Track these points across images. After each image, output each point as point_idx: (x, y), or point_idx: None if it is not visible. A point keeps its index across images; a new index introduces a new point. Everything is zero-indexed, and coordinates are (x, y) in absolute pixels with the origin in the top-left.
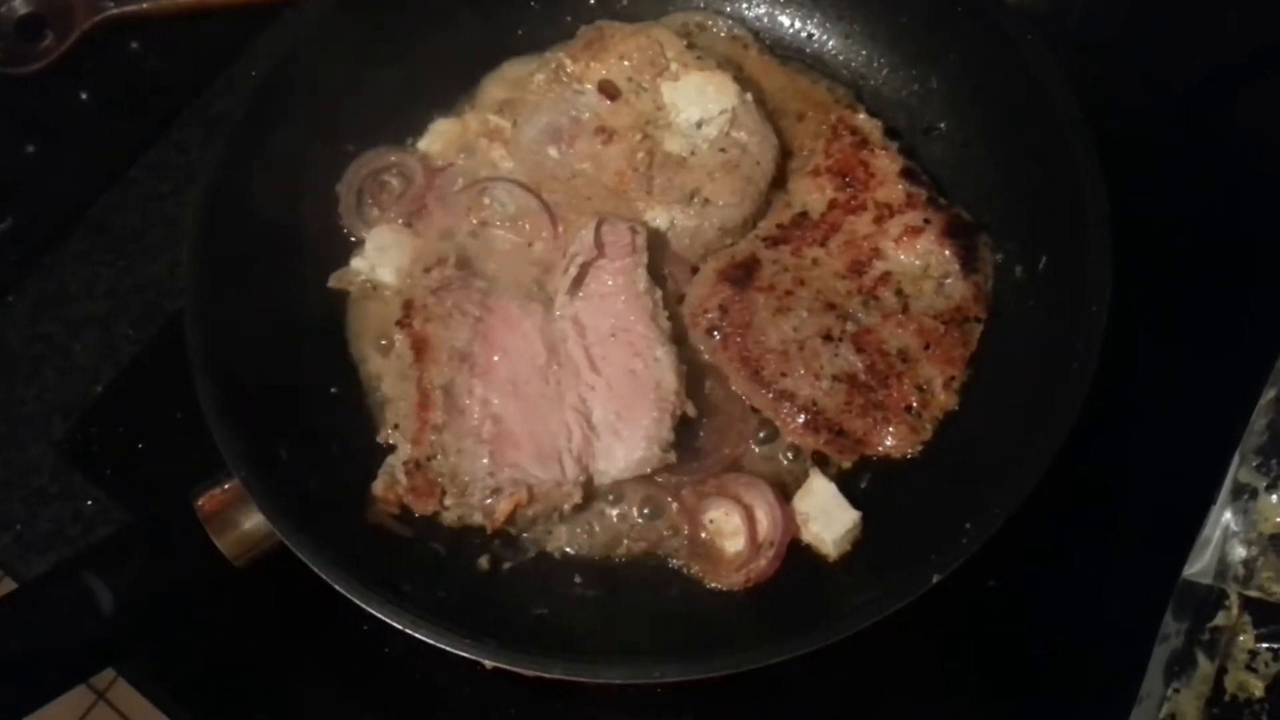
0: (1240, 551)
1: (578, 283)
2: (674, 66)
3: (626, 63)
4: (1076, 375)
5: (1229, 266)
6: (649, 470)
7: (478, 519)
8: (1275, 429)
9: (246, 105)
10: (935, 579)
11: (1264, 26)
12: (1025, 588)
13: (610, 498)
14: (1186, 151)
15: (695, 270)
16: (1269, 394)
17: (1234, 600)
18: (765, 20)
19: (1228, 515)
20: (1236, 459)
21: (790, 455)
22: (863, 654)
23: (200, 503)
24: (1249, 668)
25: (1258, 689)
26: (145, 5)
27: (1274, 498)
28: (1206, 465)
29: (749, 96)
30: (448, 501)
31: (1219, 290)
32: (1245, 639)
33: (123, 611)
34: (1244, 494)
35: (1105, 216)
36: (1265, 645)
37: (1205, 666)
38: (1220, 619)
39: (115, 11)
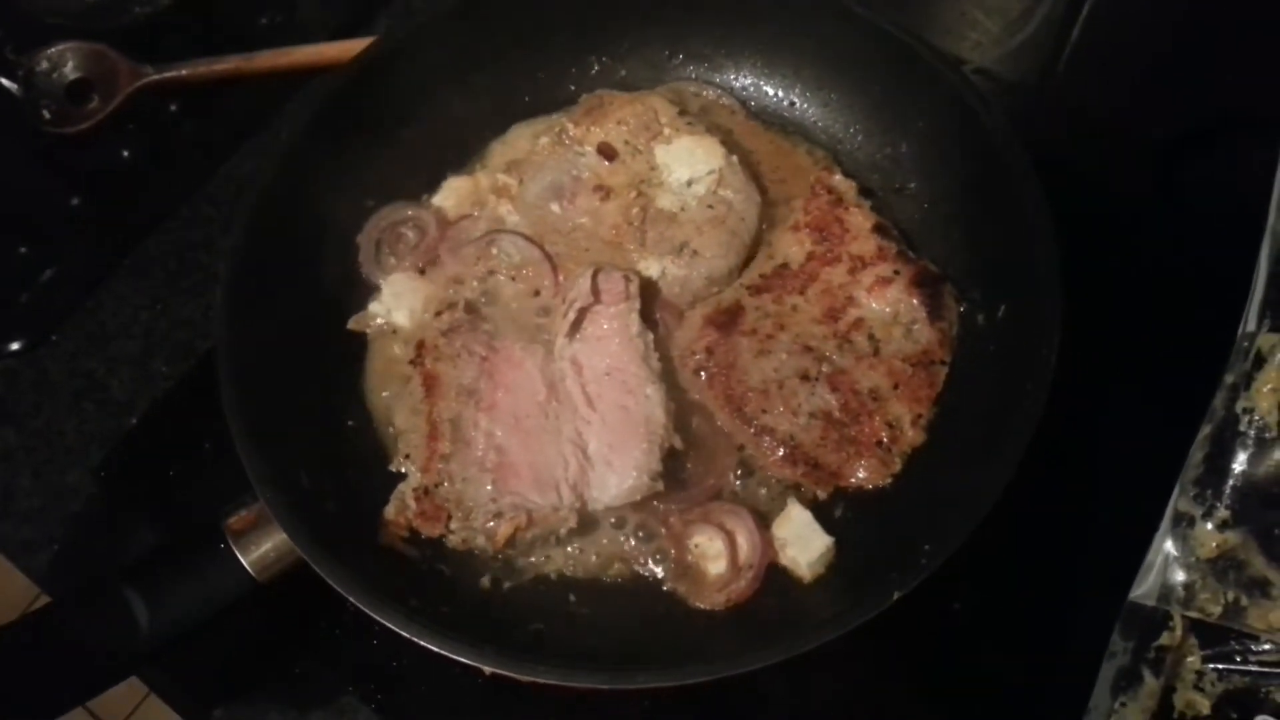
0: (1180, 575)
1: (576, 326)
2: (667, 131)
3: (623, 127)
4: (1027, 413)
5: (1178, 314)
6: (639, 498)
7: (480, 541)
8: (1210, 462)
9: (275, 163)
10: (896, 595)
11: (1234, 94)
12: (987, 609)
13: (603, 523)
14: (1150, 207)
15: (684, 315)
16: (1205, 430)
17: (1178, 622)
18: (751, 89)
19: (1169, 542)
20: (1177, 489)
21: (770, 486)
22: (837, 672)
23: (229, 523)
24: (1196, 687)
25: (1204, 707)
26: (184, 72)
27: (1209, 525)
28: (1153, 496)
29: (735, 158)
30: (453, 525)
31: (1167, 338)
32: (1193, 660)
33: (155, 621)
34: (1183, 521)
35: (1055, 271)
36: (1211, 666)
37: (1151, 683)
38: (1165, 639)
39: (156, 77)
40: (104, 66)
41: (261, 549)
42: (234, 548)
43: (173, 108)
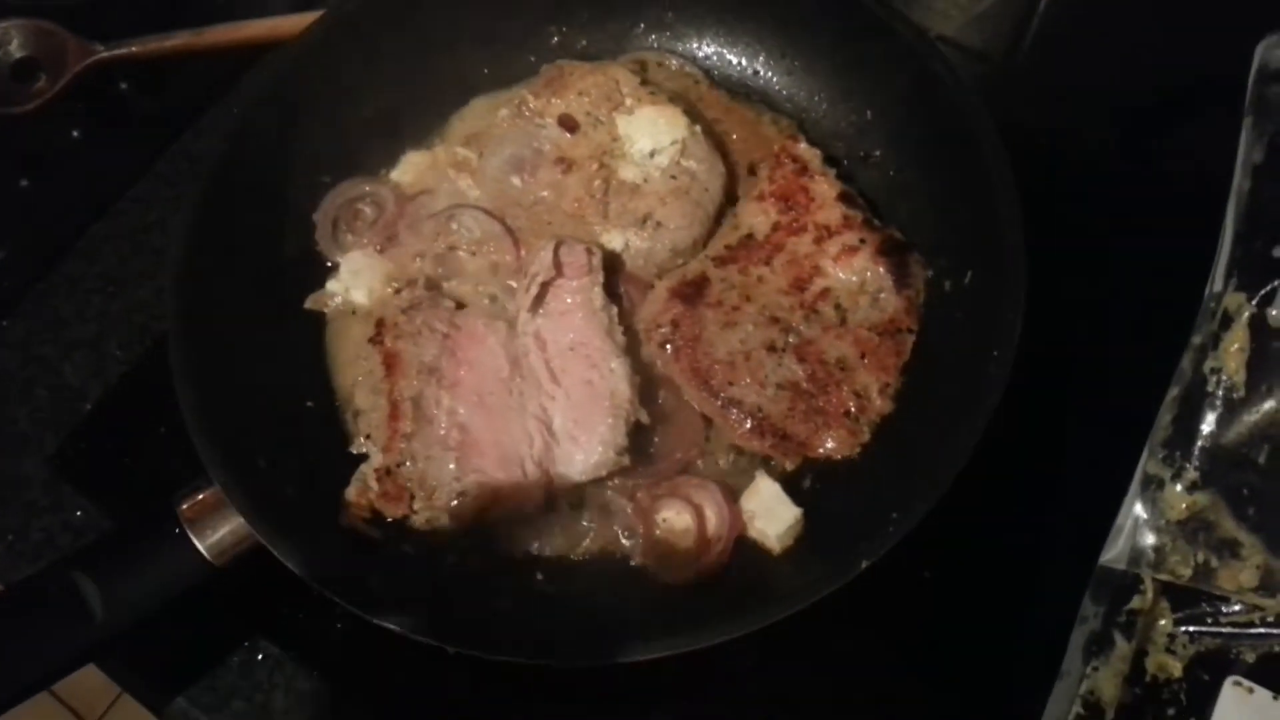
0: (1150, 538)
1: (538, 301)
2: (629, 101)
3: (585, 98)
4: (994, 379)
5: (1145, 277)
6: (605, 473)
7: (444, 521)
8: (1178, 424)
9: (228, 141)
10: (864, 564)
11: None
12: (957, 576)
13: (570, 500)
14: (1115, 173)
15: (649, 288)
16: (1173, 391)
17: (1149, 585)
18: (714, 59)
19: (1138, 505)
20: (1146, 452)
21: (738, 458)
22: (808, 642)
23: (183, 507)
24: (1168, 650)
25: (1176, 669)
26: (134, 49)
27: (1179, 487)
28: (1122, 459)
29: (698, 128)
30: (416, 505)
31: (1135, 299)
32: (1165, 623)
33: (109, 608)
34: (1152, 484)
35: (1020, 236)
36: (1182, 629)
37: (1123, 647)
38: (1136, 602)
39: (105, 54)
40: (52, 44)
41: (218, 534)
42: (189, 532)
43: (123, 85)
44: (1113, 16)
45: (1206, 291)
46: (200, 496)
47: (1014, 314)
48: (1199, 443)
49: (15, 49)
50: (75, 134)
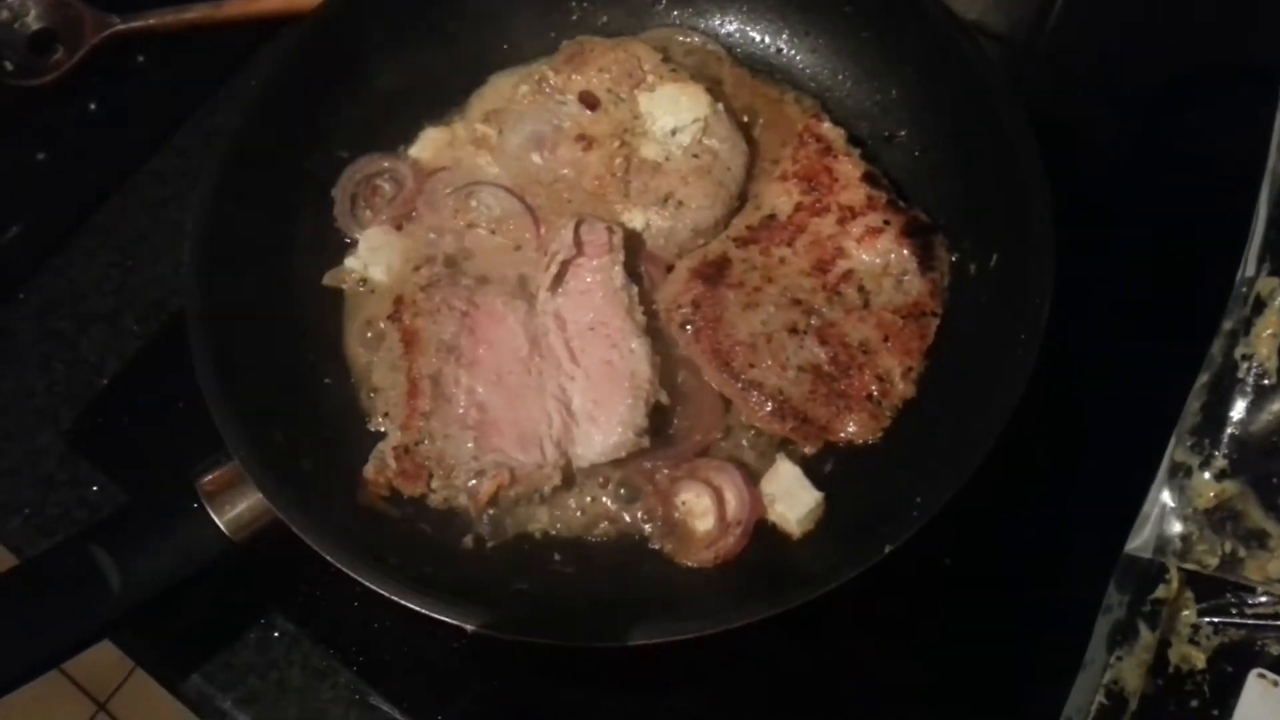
0: (1177, 526)
1: (558, 280)
2: (650, 78)
3: (606, 75)
4: (1020, 364)
5: (1173, 262)
6: (624, 454)
7: (462, 500)
8: (1207, 411)
9: (246, 115)
10: (888, 549)
11: (1225, 44)
12: (979, 563)
13: (588, 481)
14: (1143, 157)
15: (670, 268)
16: (1202, 378)
17: (1174, 575)
18: (737, 36)
19: (1165, 493)
20: (1174, 439)
21: (758, 441)
22: (827, 627)
23: (202, 482)
24: (1192, 641)
25: (1200, 661)
26: (151, 21)
27: (1207, 475)
28: (1149, 446)
29: (720, 106)
30: (434, 484)
31: (1164, 284)
32: (1188, 614)
33: (127, 583)
34: (1180, 472)
35: (1048, 219)
36: (1206, 619)
37: (1147, 636)
38: (1160, 591)
39: (122, 27)
40: (68, 16)
41: (237, 509)
42: (208, 508)
43: (140, 58)
44: None
45: (1238, 276)
46: (219, 471)
47: (1041, 299)
48: (1228, 430)
49: (32, 21)
50: (92, 107)
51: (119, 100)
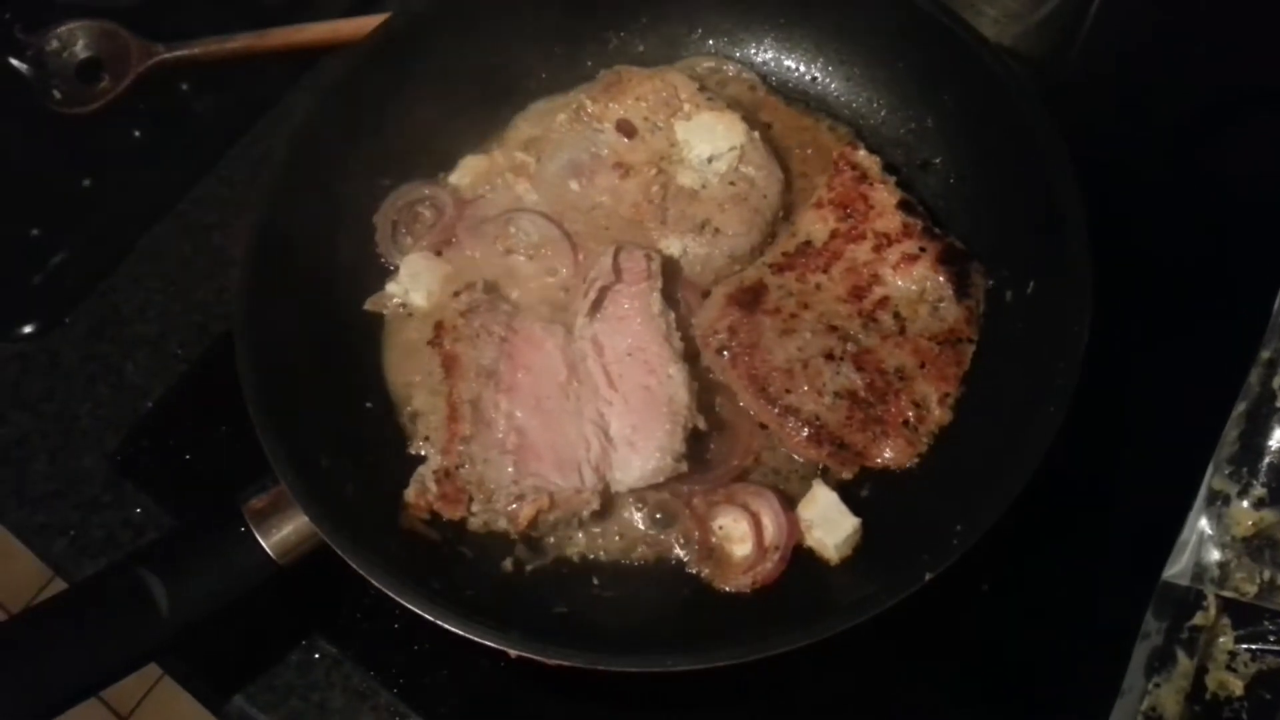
0: (1215, 554)
1: (596, 306)
2: (687, 107)
3: (643, 103)
4: (1059, 390)
5: (1209, 290)
6: (662, 479)
7: (502, 524)
8: (1245, 439)
9: (289, 143)
10: (928, 577)
11: (1255, 68)
12: (1016, 590)
13: (626, 505)
14: (1176, 184)
15: (706, 294)
16: (1240, 407)
17: (1212, 601)
18: (772, 64)
19: (1203, 520)
20: (1211, 468)
21: (795, 467)
22: (864, 654)
23: (249, 505)
24: (1229, 668)
25: (1237, 688)
26: (196, 50)
27: (1245, 503)
28: (1185, 474)
29: (756, 134)
30: (475, 508)
31: (1199, 312)
32: (1225, 640)
33: (175, 606)
34: (1218, 500)
35: (1086, 246)
36: (1244, 646)
37: (1185, 663)
38: (1198, 619)
39: (167, 56)
40: (115, 45)
41: (282, 532)
42: (254, 531)
43: (184, 87)
44: (1163, 24)
45: (1276, 304)
46: (265, 496)
47: (1079, 326)
48: (1267, 459)
49: (80, 50)
50: (137, 134)
51: (164, 128)
